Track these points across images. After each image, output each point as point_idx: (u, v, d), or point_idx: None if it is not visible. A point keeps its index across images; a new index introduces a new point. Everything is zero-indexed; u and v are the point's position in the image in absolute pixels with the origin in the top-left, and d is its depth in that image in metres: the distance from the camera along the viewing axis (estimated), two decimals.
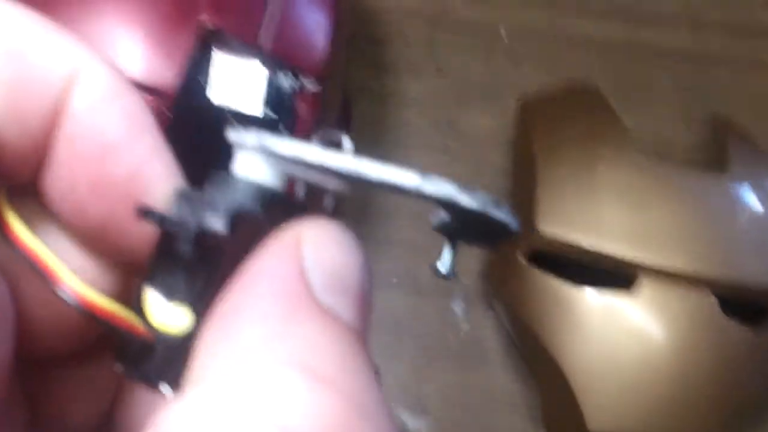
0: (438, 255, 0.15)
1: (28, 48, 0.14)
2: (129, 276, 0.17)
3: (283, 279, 0.13)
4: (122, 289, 0.16)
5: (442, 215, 0.15)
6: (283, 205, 0.15)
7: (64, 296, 0.15)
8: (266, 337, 0.12)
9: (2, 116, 0.14)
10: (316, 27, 0.33)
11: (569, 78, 0.52)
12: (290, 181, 0.15)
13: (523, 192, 0.44)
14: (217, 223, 0.14)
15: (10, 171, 0.15)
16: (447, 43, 0.53)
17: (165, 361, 0.15)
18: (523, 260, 0.43)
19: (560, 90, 0.48)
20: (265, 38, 0.31)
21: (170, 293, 0.14)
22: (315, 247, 0.14)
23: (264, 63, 0.30)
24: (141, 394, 0.18)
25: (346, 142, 0.16)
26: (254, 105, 0.30)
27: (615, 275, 0.41)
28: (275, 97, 0.30)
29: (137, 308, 0.15)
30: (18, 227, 0.15)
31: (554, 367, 0.41)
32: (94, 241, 0.16)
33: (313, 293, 0.13)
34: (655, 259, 0.40)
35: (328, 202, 0.38)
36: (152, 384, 0.15)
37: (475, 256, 0.49)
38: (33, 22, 0.15)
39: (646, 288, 0.41)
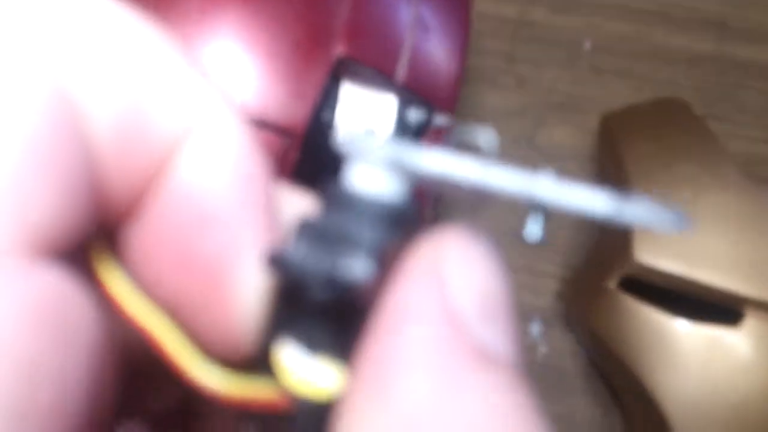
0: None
1: (149, 100, 0.13)
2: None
3: (432, 317, 0.11)
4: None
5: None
6: (407, 218, 0.13)
7: (193, 386, 0.13)
8: (428, 402, 0.11)
9: (111, 161, 0.12)
10: (449, 60, 0.31)
11: (655, 92, 0.50)
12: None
13: None
14: (360, 269, 0.12)
15: (108, 219, 0.13)
16: (527, 53, 0.51)
17: (308, 421, 0.13)
18: (613, 286, 0.41)
19: (648, 105, 0.46)
20: (400, 71, 0.29)
21: (311, 347, 0.12)
22: (460, 269, 0.12)
23: (395, 96, 0.28)
24: None
25: (489, 137, 0.14)
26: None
27: (715, 306, 0.39)
28: (401, 131, 0.29)
29: (266, 370, 0.13)
30: (126, 296, 0.13)
31: (646, 398, 0.40)
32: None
33: (468, 327, 0.11)
34: (762, 291, 0.39)
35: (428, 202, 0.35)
36: None
37: (552, 276, 0.47)
38: (165, 61, 0.13)
39: (752, 321, 0.39)
